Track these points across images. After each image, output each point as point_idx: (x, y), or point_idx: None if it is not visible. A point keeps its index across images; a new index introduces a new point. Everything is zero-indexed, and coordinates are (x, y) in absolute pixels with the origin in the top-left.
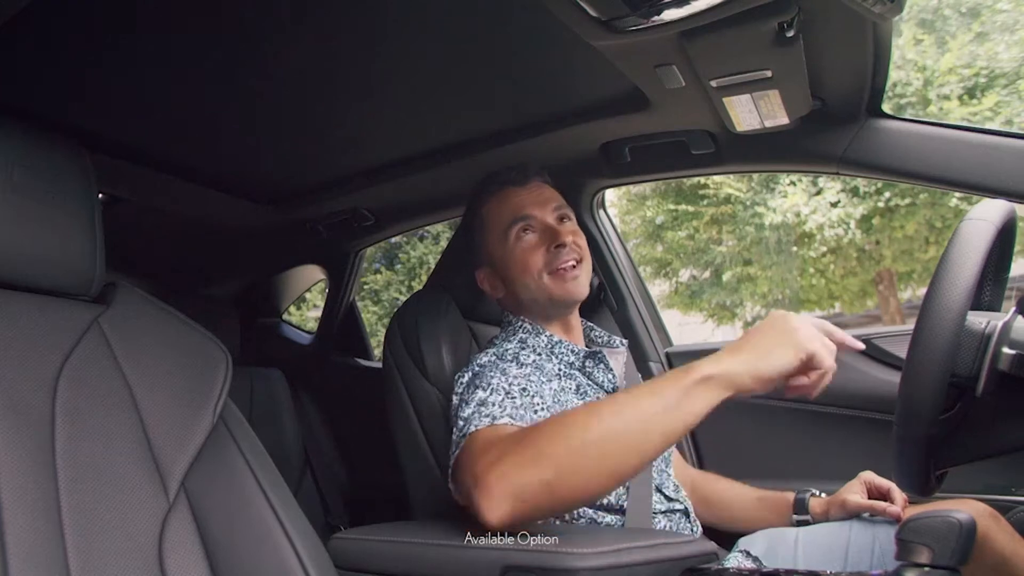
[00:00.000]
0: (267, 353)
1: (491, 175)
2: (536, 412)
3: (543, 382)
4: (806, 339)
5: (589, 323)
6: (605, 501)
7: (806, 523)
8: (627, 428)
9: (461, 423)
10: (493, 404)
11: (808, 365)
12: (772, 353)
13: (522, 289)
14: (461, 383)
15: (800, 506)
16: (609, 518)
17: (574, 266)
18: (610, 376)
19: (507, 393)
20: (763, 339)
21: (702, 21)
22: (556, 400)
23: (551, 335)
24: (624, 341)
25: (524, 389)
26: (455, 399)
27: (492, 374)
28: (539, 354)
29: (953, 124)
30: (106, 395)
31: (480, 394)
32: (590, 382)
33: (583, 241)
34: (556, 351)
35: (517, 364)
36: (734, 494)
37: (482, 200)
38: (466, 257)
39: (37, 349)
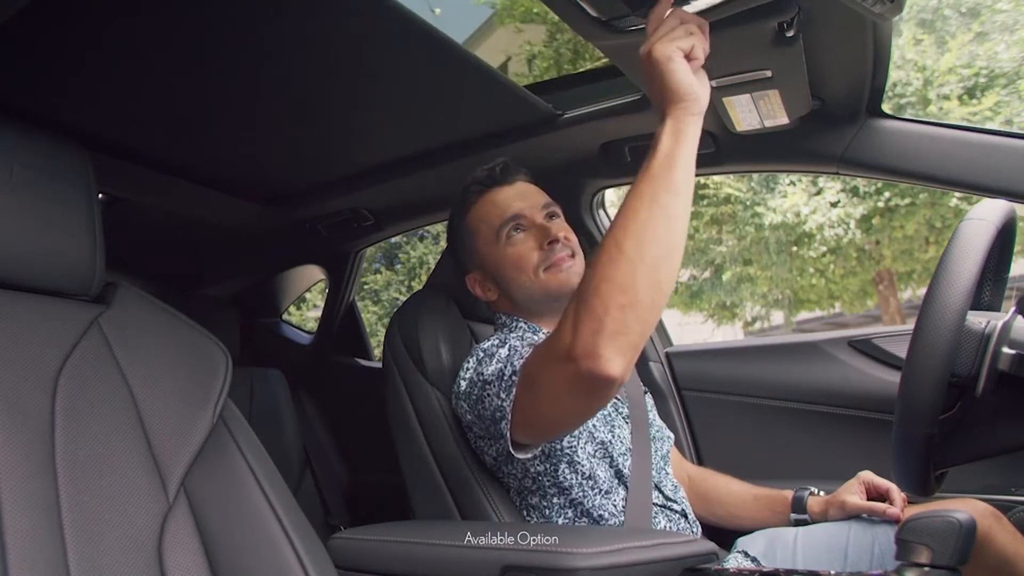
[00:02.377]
0: (267, 353)
1: (474, 177)
2: None
3: None
4: (671, 54)
5: None
6: (604, 508)
7: (804, 522)
8: (656, 237)
9: (507, 371)
10: (517, 351)
11: (691, 55)
12: (667, 82)
13: (517, 289)
14: (468, 367)
15: (799, 504)
16: (610, 520)
17: (570, 257)
18: None
19: (524, 350)
20: (658, 83)
21: None
22: None
23: (548, 333)
24: None
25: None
26: (469, 374)
27: (501, 343)
28: None
29: (953, 124)
30: (106, 395)
31: (502, 351)
32: None
33: (574, 237)
34: None
35: (522, 345)
36: (731, 491)
37: (468, 204)
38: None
39: (37, 349)
